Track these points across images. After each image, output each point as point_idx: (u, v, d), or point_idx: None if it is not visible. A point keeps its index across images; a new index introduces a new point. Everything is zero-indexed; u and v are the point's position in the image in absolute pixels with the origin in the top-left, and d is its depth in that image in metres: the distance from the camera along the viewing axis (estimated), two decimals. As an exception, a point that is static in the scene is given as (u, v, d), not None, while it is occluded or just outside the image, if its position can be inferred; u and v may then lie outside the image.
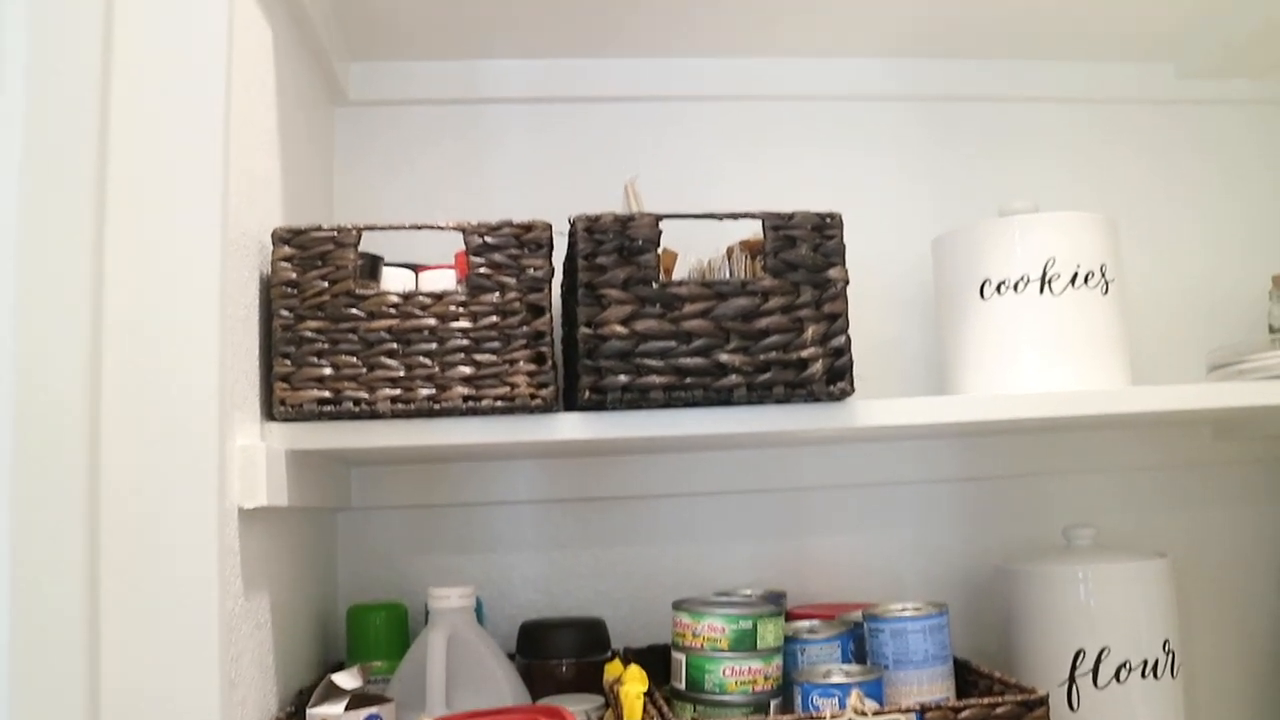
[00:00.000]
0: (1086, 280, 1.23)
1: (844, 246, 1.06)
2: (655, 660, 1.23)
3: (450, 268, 1.12)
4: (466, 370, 1.01)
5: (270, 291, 1.02)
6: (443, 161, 1.44)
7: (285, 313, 1.01)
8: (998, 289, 1.24)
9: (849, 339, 1.05)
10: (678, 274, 1.16)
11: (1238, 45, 1.49)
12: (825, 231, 1.06)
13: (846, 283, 1.05)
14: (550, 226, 1.04)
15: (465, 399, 1.01)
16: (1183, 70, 1.57)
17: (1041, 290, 1.22)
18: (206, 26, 0.90)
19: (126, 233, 0.86)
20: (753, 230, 1.12)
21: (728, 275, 1.09)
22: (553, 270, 1.03)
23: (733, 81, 1.48)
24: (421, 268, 1.13)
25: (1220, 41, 1.50)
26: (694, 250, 1.14)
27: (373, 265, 1.08)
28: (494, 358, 1.02)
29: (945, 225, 1.48)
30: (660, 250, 1.04)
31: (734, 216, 1.05)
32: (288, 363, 1.00)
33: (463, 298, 1.02)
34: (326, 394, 1.00)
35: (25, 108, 0.83)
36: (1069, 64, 1.55)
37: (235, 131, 0.93)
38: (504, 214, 1.40)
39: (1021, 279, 1.23)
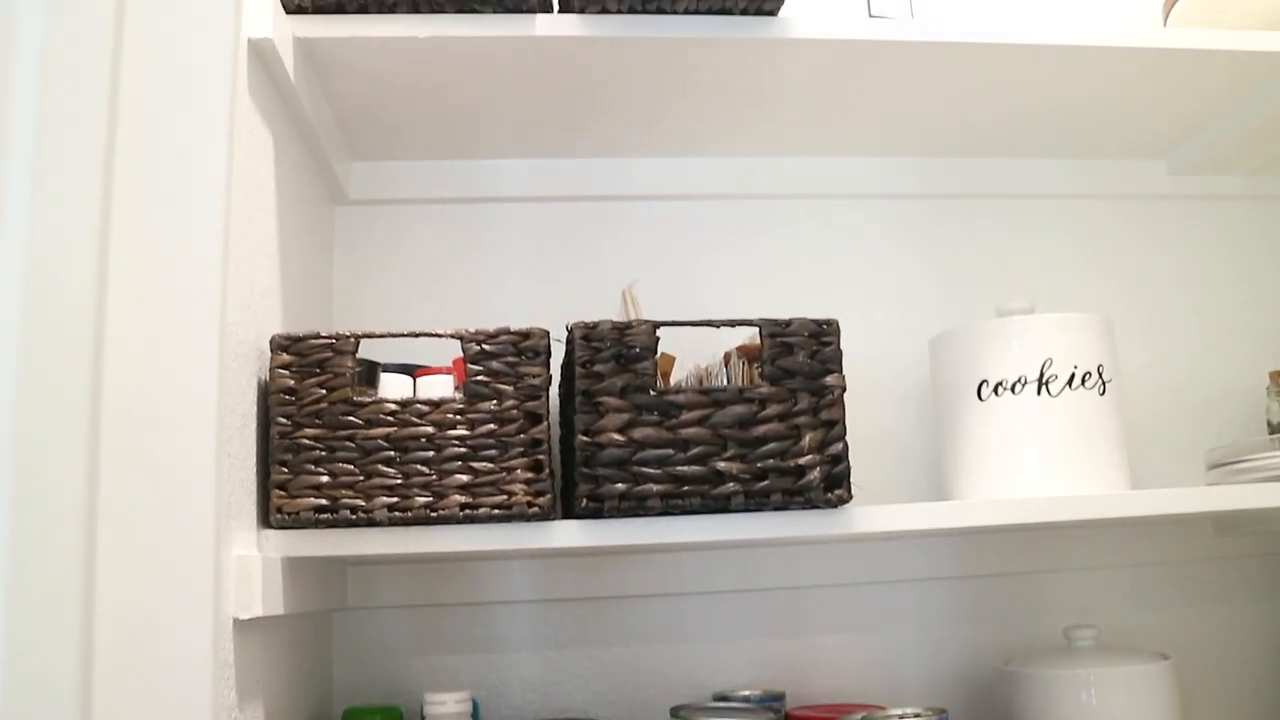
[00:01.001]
0: (1084, 381, 1.23)
1: (841, 353, 1.06)
2: (653, 766, 1.22)
3: (447, 372, 1.12)
4: (464, 478, 1.01)
5: (268, 399, 1.02)
6: (442, 259, 1.45)
7: (283, 420, 1.01)
8: (995, 390, 1.24)
9: (846, 446, 1.05)
10: (675, 376, 1.16)
11: (1227, 145, 1.51)
12: (822, 338, 1.06)
13: (843, 390, 1.05)
14: (548, 334, 1.04)
15: (462, 507, 1.01)
16: (1174, 167, 1.59)
17: (1039, 391, 1.23)
18: (208, 138, 0.90)
19: (124, 343, 0.86)
20: (750, 334, 1.12)
21: (725, 382, 1.10)
22: (550, 378, 1.04)
23: (730, 180, 1.50)
24: (420, 370, 1.14)
25: (1211, 141, 1.52)
26: (691, 354, 1.15)
27: (370, 371, 1.08)
28: (491, 465, 1.01)
29: (944, 321, 1.49)
30: (658, 355, 1.05)
31: (731, 324, 1.06)
32: (285, 470, 1.00)
33: (460, 405, 1.02)
34: (324, 502, 1.00)
35: (29, 217, 0.84)
36: (1062, 161, 1.57)
37: (235, 240, 0.94)
38: (503, 312, 1.42)
39: (1019, 380, 1.23)
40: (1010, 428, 1.23)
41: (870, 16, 1.25)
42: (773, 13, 1.19)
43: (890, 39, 1.21)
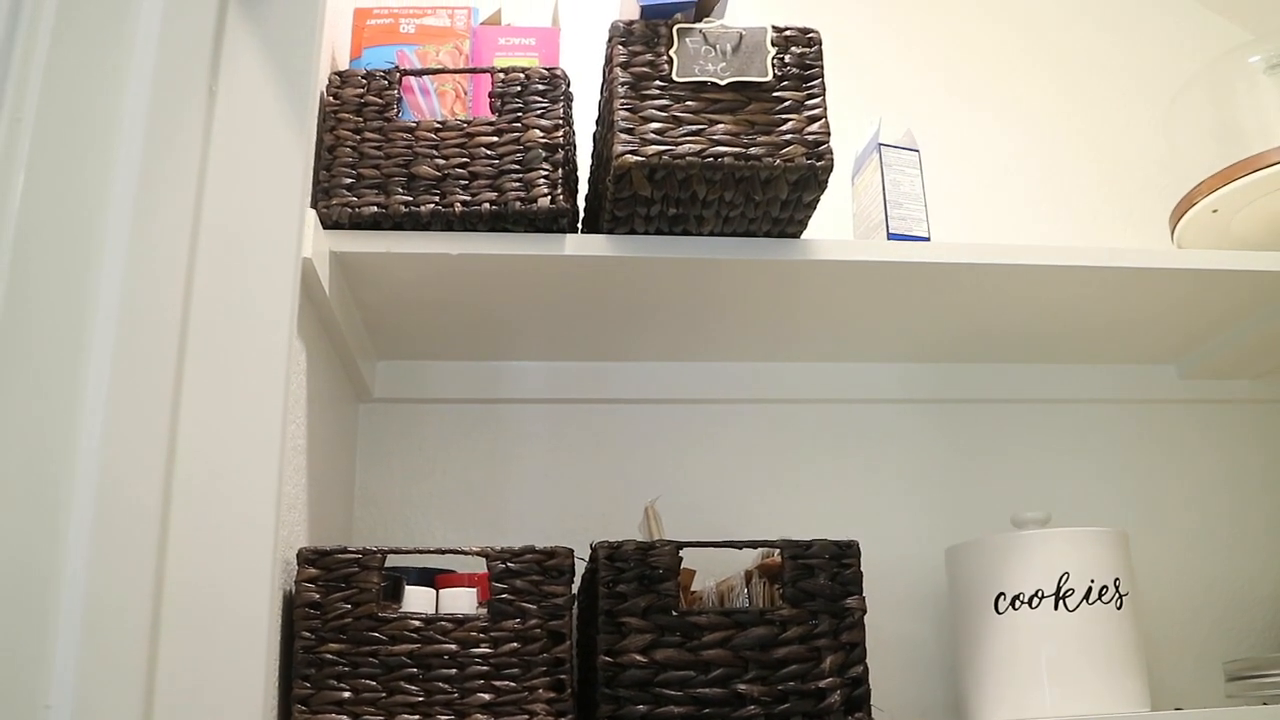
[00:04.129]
0: (1101, 595, 1.24)
1: (861, 574, 1.08)
2: None
3: (470, 583, 1.13)
4: (486, 697, 1.01)
5: (294, 612, 1.03)
6: (464, 459, 1.47)
7: (308, 634, 1.02)
8: (1012, 603, 1.25)
9: (866, 669, 1.06)
10: (695, 587, 1.17)
11: (1236, 354, 1.54)
12: (843, 560, 1.08)
13: (864, 612, 1.06)
14: (572, 553, 1.06)
15: (483, 727, 1.01)
16: (1185, 371, 1.62)
17: (1056, 606, 1.23)
18: (268, 362, 0.93)
19: (184, 554, 0.87)
20: (771, 550, 1.14)
21: (745, 600, 1.11)
22: (574, 597, 1.05)
23: (752, 385, 1.53)
24: (441, 578, 1.15)
25: (1219, 350, 1.55)
26: (712, 566, 1.16)
27: (396, 586, 1.09)
28: (513, 684, 1.02)
29: (961, 528, 1.50)
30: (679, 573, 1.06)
31: (753, 545, 1.07)
32: (308, 685, 1.01)
33: (484, 624, 1.03)
34: (345, 718, 1.00)
35: (100, 439, 0.85)
36: (1075, 367, 1.60)
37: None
38: (523, 515, 1.44)
39: (1036, 594, 1.24)
40: (1027, 642, 1.23)
41: (889, 238, 1.29)
42: (796, 235, 1.23)
43: (909, 261, 1.25)
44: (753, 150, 1.13)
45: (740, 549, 1.08)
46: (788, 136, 1.14)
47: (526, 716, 1.01)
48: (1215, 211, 1.51)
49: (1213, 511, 1.59)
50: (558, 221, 1.19)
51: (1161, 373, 1.63)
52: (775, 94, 1.15)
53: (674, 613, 1.04)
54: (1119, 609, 1.25)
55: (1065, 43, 1.86)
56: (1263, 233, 1.51)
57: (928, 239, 1.31)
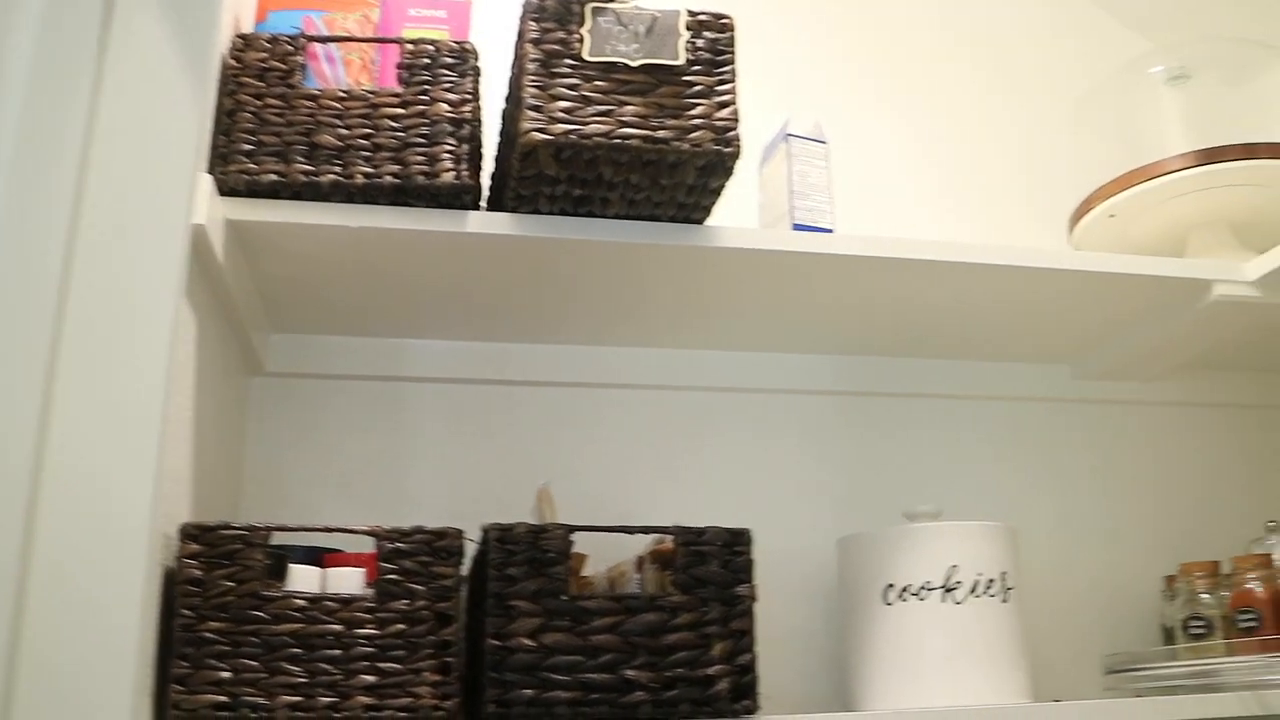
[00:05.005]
0: (987, 589, 1.26)
1: (752, 562, 1.08)
2: None
3: (358, 562, 1.11)
4: (370, 679, 0.99)
5: (174, 589, 1.00)
6: (359, 437, 1.44)
7: (187, 612, 0.99)
8: (901, 595, 1.26)
9: (755, 657, 1.06)
10: (586, 572, 1.17)
11: (1127, 357, 1.58)
12: (735, 548, 1.08)
13: (754, 600, 1.07)
14: (462, 534, 1.04)
15: (367, 708, 0.99)
16: (1078, 373, 1.65)
17: (943, 599, 1.25)
18: (152, 334, 0.90)
19: (55, 529, 0.84)
20: (664, 536, 1.13)
21: (637, 585, 1.10)
22: (463, 579, 1.03)
23: (651, 371, 1.52)
24: (329, 557, 1.12)
25: (1111, 352, 1.59)
26: (604, 551, 1.15)
27: (280, 563, 1.06)
28: (399, 666, 1.00)
29: (854, 520, 1.51)
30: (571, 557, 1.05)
31: (646, 530, 1.07)
32: (185, 664, 0.98)
33: (371, 604, 1.01)
34: (224, 699, 0.98)
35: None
36: (972, 363, 1.63)
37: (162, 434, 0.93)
38: (418, 496, 1.42)
39: (924, 586, 1.25)
40: (914, 633, 1.25)
41: (794, 228, 1.29)
42: (700, 221, 1.23)
43: (811, 252, 1.26)
44: (661, 134, 1.12)
45: (633, 534, 1.08)
46: (697, 121, 1.13)
47: (411, 699, 1.00)
48: (1113, 216, 1.55)
49: (1097, 510, 1.63)
50: (461, 198, 1.18)
51: (1055, 372, 1.66)
52: (686, 78, 1.15)
53: (564, 597, 1.03)
54: (1004, 602, 1.27)
55: (978, 43, 1.88)
56: (1158, 239, 1.55)
57: (831, 231, 1.31)
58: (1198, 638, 1.39)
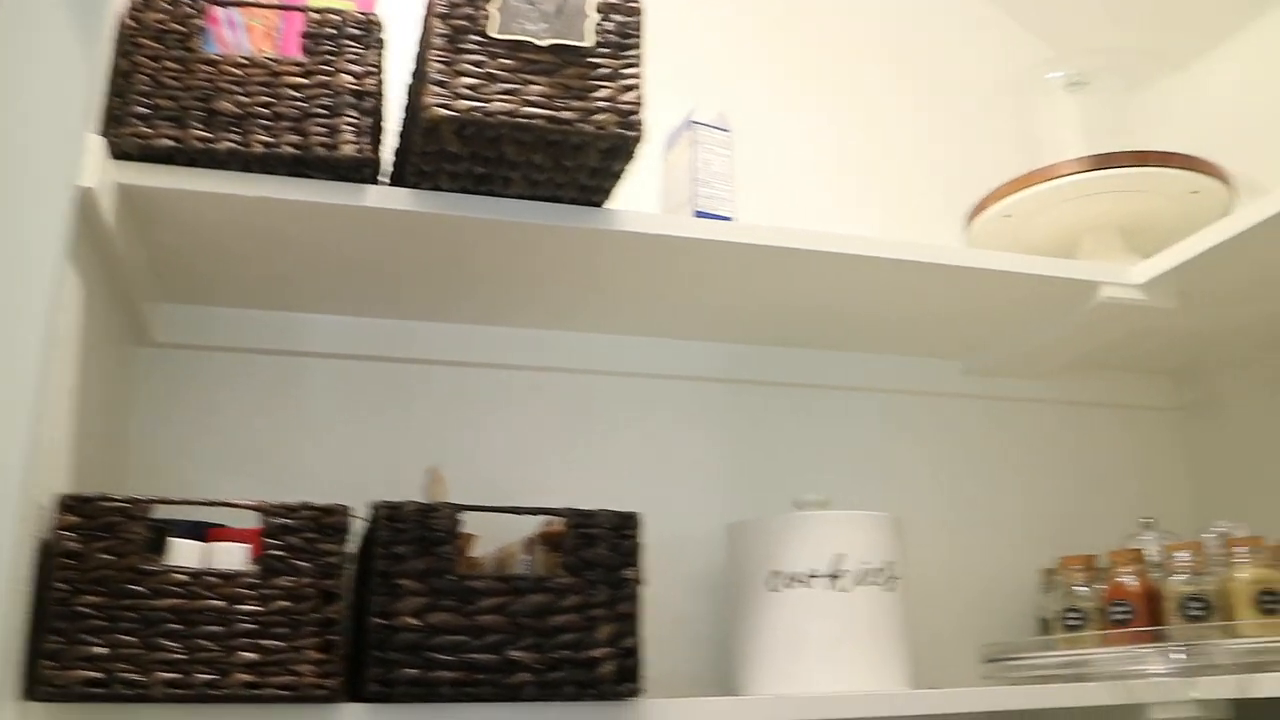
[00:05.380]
0: (873, 578, 1.28)
1: (640, 547, 1.09)
2: None
3: (242, 537, 1.09)
4: (251, 656, 0.98)
5: (50, 562, 0.98)
6: (250, 411, 1.42)
7: (62, 585, 0.96)
8: (787, 582, 1.27)
9: (640, 640, 1.06)
10: (475, 552, 1.16)
11: (1017, 355, 1.62)
12: (624, 531, 1.08)
13: (641, 583, 1.07)
14: (348, 510, 1.03)
15: (246, 686, 0.97)
16: (968, 368, 1.69)
17: (829, 586, 1.27)
18: (30, 314, 0.88)
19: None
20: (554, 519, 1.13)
21: (526, 567, 1.10)
22: (349, 556, 1.02)
23: (546, 353, 1.52)
24: (211, 531, 1.10)
25: (1002, 350, 1.62)
26: (493, 531, 1.15)
27: (161, 537, 1.04)
28: (281, 644, 0.99)
29: (745, 507, 1.53)
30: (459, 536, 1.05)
31: (535, 512, 1.07)
32: (58, 639, 0.95)
33: (254, 580, 1.00)
34: (97, 674, 0.95)
35: None
36: (865, 356, 1.66)
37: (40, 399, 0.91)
38: (308, 472, 1.40)
39: (810, 573, 1.27)
40: (799, 620, 1.26)
41: (695, 215, 1.30)
42: (601, 204, 1.23)
43: (711, 239, 1.26)
44: (565, 114, 1.12)
45: (522, 515, 1.07)
46: (601, 104, 1.13)
47: (293, 677, 0.99)
48: (1008, 216, 1.58)
49: (981, 503, 1.67)
50: (361, 171, 1.16)
51: (947, 367, 1.70)
52: (593, 60, 1.14)
53: (451, 576, 1.03)
54: (889, 591, 1.29)
55: (886, 41, 1.91)
56: (1050, 240, 1.59)
57: (731, 219, 1.32)
58: (1073, 629, 1.43)
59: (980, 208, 1.61)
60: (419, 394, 1.47)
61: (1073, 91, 1.75)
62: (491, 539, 1.17)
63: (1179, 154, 1.52)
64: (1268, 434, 1.68)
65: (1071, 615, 1.43)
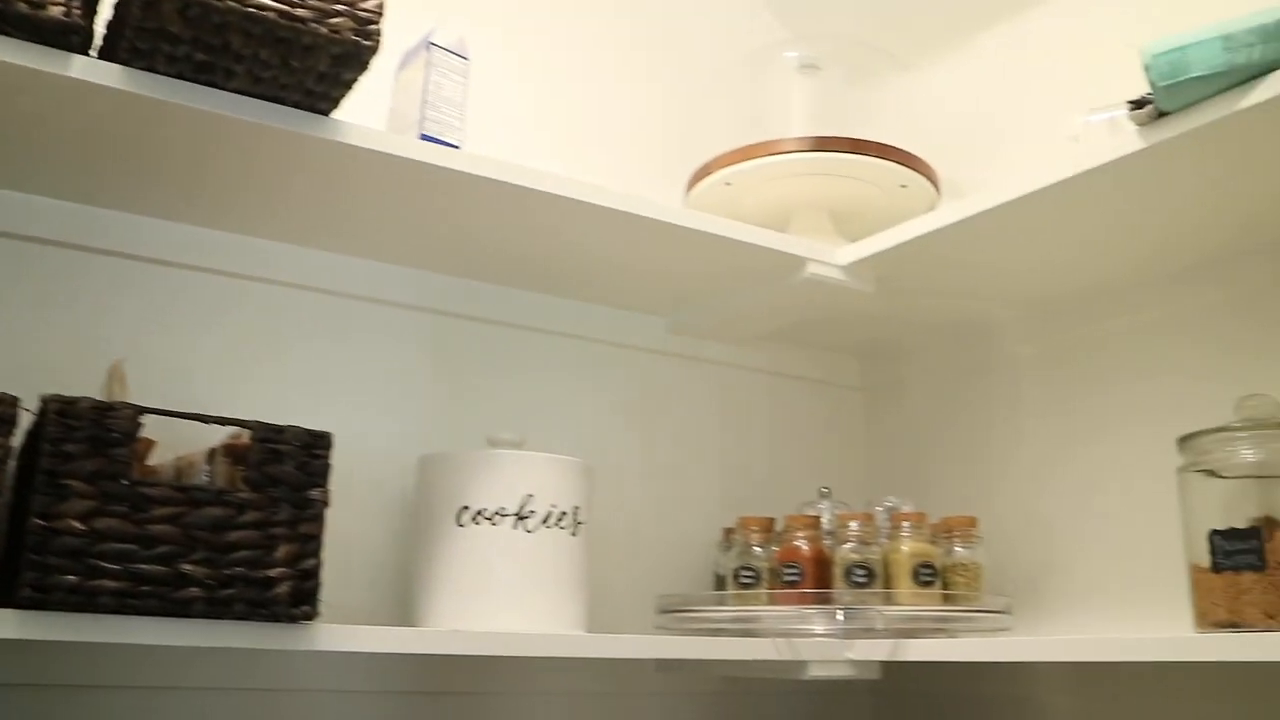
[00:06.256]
0: (559, 521, 1.30)
1: (330, 468, 1.06)
2: None
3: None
4: (-115, 547, 0.90)
5: None
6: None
7: None
8: (474, 518, 1.27)
9: (319, 562, 1.04)
10: (154, 459, 1.10)
11: (720, 319, 1.67)
12: (314, 450, 1.05)
13: (326, 505, 1.05)
14: (17, 401, 0.96)
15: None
16: (673, 327, 1.73)
17: (515, 525, 1.27)
18: None
19: None
20: (240, 430, 1.09)
21: (206, 478, 1.05)
22: (12, 449, 0.95)
23: (252, 262, 1.44)
24: None
25: (706, 312, 1.67)
26: (175, 440, 1.09)
27: None
28: (-78, 537, 0.91)
29: (441, 440, 1.51)
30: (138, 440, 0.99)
31: (222, 422, 1.02)
32: None
33: (-103, 466, 0.91)
34: None
35: None
36: (576, 303, 1.67)
37: None
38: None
39: (499, 511, 1.28)
40: (483, 556, 1.27)
41: (420, 138, 1.27)
42: (326, 113, 1.18)
43: (434, 163, 1.24)
44: (300, 12, 1.06)
45: (208, 425, 1.02)
46: (340, 7, 1.08)
47: (-68, 572, 0.91)
48: (729, 184, 1.62)
49: (673, 459, 1.71)
50: (69, 38, 1.06)
51: (652, 323, 1.73)
52: (336, -39, 1.09)
53: (124, 481, 0.97)
54: (574, 535, 1.31)
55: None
56: (766, 213, 1.64)
57: (459, 147, 1.30)
58: (746, 587, 1.49)
59: (703, 173, 1.64)
60: (108, 288, 1.37)
61: (804, 74, 1.81)
62: (173, 448, 1.11)
63: (895, 148, 1.60)
64: (939, 420, 1.80)
65: (745, 573, 1.49)
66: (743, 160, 1.60)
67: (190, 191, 1.33)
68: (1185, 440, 1.24)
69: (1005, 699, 1.59)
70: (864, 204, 1.65)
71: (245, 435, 1.05)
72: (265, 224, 1.42)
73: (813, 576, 1.44)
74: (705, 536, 1.68)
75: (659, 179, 1.78)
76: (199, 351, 1.41)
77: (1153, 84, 1.12)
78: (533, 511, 1.28)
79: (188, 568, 0.98)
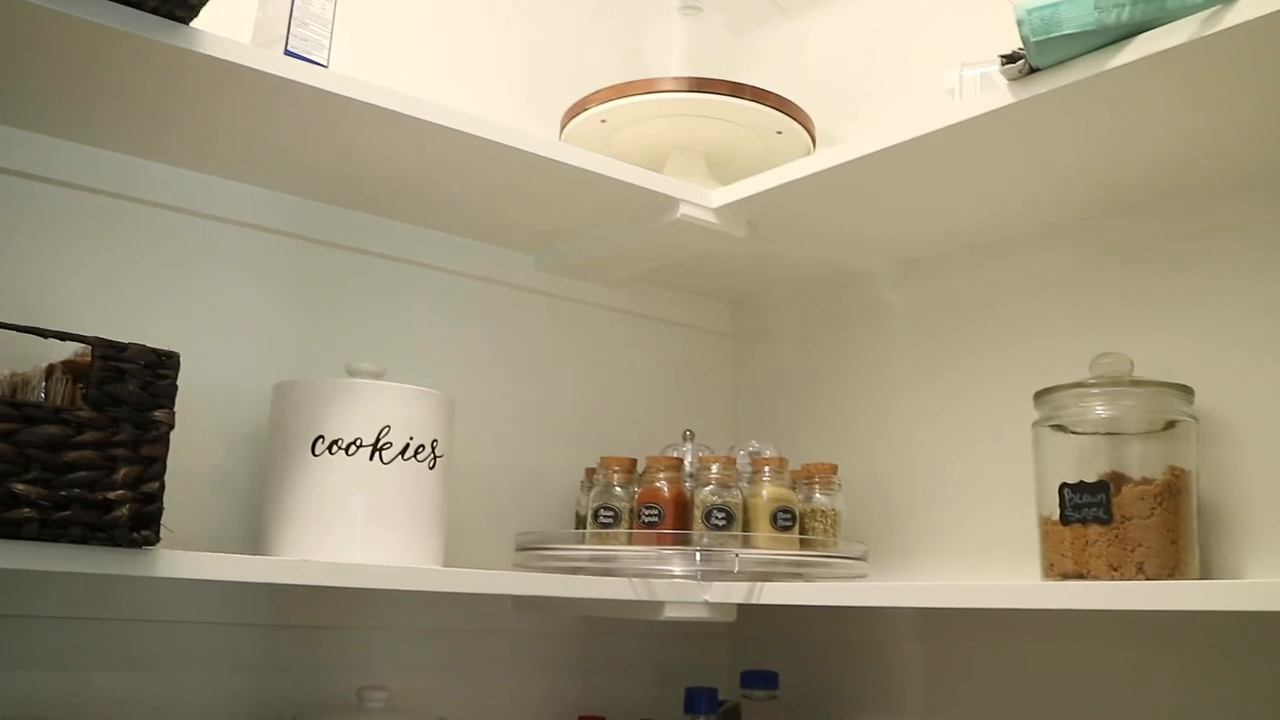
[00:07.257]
0: (417, 454, 1.28)
1: (176, 389, 1.02)
2: None
3: None
4: None
5: None
6: None
7: None
8: (330, 448, 1.25)
9: (162, 486, 1.01)
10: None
11: (590, 258, 1.65)
12: (159, 370, 1.01)
13: (171, 427, 1.01)
14: None
15: None
16: (541, 264, 1.71)
17: (372, 457, 1.25)
18: None
19: None
20: (82, 349, 1.04)
21: (43, 396, 1.01)
22: None
23: (111, 177, 1.37)
24: None
25: (576, 251, 1.65)
26: (10, 358, 1.04)
27: None
28: None
29: (296, 369, 1.47)
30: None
31: (61, 337, 0.98)
32: None
33: None
34: None
35: None
36: (443, 235, 1.64)
37: None
38: None
39: (355, 442, 1.25)
40: (338, 487, 1.24)
41: (285, 54, 1.22)
42: (185, 21, 1.13)
43: (297, 80, 1.19)
44: (154, -88, 1.02)
45: (46, 339, 0.98)
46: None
47: None
48: (604, 121, 1.61)
49: (537, 397, 1.70)
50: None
51: (520, 259, 1.71)
52: None
53: (-49, 395, 0.93)
54: (432, 469, 1.29)
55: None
56: (641, 153, 1.63)
57: (325, 66, 1.26)
58: (605, 526, 1.48)
59: (578, 108, 1.62)
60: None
61: (686, 15, 1.79)
62: (7, 364, 1.06)
63: (772, 93, 1.60)
64: (804, 367, 1.81)
65: (605, 513, 1.49)
66: (619, 97, 1.58)
67: (42, 99, 1.26)
68: (1040, 395, 1.27)
69: (860, 645, 1.62)
70: (739, 149, 1.65)
71: (85, 351, 1.00)
72: (121, 137, 1.36)
73: (672, 518, 1.44)
74: (569, 476, 1.67)
75: (533, 114, 1.75)
76: (45, 269, 1.35)
77: (1024, 39, 1.13)
78: (390, 443, 1.26)
79: (20, 487, 0.94)
